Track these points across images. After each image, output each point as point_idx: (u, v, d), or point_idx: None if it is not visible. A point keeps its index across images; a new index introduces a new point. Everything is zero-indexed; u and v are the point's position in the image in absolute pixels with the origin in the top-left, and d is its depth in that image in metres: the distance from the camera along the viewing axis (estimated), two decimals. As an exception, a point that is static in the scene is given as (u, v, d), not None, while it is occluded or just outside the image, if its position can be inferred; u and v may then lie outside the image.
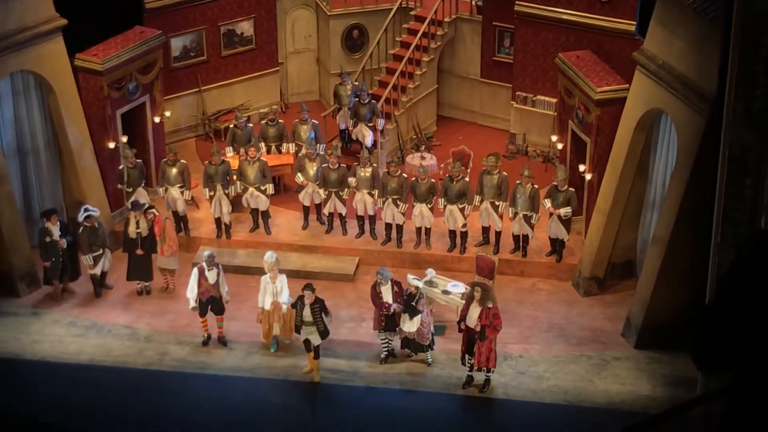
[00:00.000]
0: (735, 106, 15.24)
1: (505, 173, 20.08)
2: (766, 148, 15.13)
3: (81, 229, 19.21)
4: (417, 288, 17.68)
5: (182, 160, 20.81)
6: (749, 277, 3.76)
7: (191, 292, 18.20)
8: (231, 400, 17.49)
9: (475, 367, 17.22)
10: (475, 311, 16.97)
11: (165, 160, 20.67)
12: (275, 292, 17.80)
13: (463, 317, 17.17)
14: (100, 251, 19.38)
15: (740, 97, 15.15)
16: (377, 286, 17.73)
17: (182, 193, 20.56)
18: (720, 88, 15.74)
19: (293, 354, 18.12)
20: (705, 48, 16.79)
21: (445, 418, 17.22)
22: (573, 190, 19.66)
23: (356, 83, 23.20)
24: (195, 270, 18.24)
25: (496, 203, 20.01)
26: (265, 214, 20.93)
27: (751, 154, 15.28)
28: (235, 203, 20.93)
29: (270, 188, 20.75)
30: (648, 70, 18.19)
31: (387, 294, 17.64)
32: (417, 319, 17.51)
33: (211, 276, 18.11)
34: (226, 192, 20.57)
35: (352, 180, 20.55)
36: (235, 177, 20.77)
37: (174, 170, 20.50)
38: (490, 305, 16.92)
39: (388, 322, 17.79)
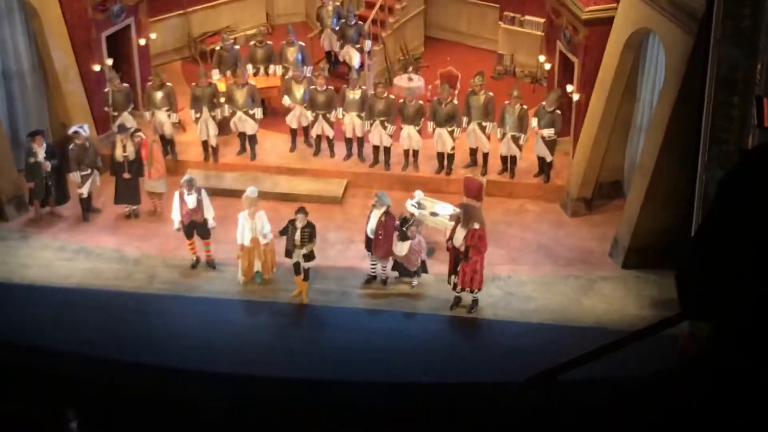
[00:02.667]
0: (723, 25, 15.18)
1: (491, 93, 20.01)
2: (754, 66, 15.08)
3: (71, 145, 19.15)
4: (412, 215, 17.71)
5: (168, 83, 20.67)
6: (734, 198, 3.71)
7: (175, 214, 18.22)
8: (219, 323, 17.56)
9: (459, 287, 17.29)
10: (460, 232, 17.02)
11: (150, 83, 20.52)
12: (255, 228, 17.69)
13: (451, 237, 17.23)
14: (89, 171, 19.33)
15: (728, 15, 15.09)
16: (371, 209, 17.81)
17: (169, 116, 20.45)
18: (708, 6, 15.64)
19: (282, 276, 18.13)
20: (694, -34, 16.65)
21: (433, 339, 17.31)
22: (559, 112, 19.59)
23: (338, 4, 23.02)
24: (176, 194, 18.24)
25: (483, 124, 19.96)
26: (253, 139, 20.83)
27: (739, 72, 15.25)
28: (223, 126, 20.81)
29: (259, 112, 20.64)
30: (636, -12, 18.06)
31: (374, 219, 17.66)
32: (407, 244, 17.53)
33: (190, 200, 18.04)
34: (213, 115, 20.46)
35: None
36: (222, 100, 20.66)
37: (160, 94, 20.37)
38: (476, 226, 16.94)
39: (368, 244, 17.88)
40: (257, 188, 18.52)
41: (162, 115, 20.40)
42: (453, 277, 17.36)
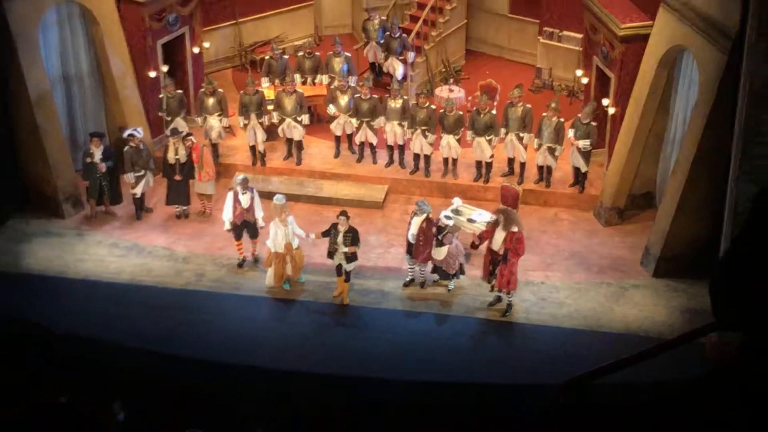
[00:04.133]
0: (757, 43, 15.09)
1: (528, 105, 19.98)
2: (786, 84, 14.96)
3: (126, 147, 19.25)
4: (446, 225, 17.71)
5: (220, 90, 20.75)
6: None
7: (226, 214, 18.23)
8: (263, 320, 17.60)
9: (496, 288, 17.24)
10: (500, 235, 16.97)
11: (203, 90, 20.59)
12: (287, 233, 17.65)
13: (484, 238, 17.15)
14: (142, 172, 19.41)
15: (762, 34, 15.00)
16: (412, 216, 17.77)
17: (220, 121, 20.51)
18: (742, 25, 15.55)
19: (324, 277, 18.11)
20: (729, -14, 16.52)
21: (468, 341, 17.26)
22: (595, 124, 19.52)
23: (384, 18, 23.06)
24: (230, 193, 18.24)
25: (521, 135, 19.89)
26: (299, 145, 20.85)
27: (772, 89, 15.13)
28: (271, 132, 20.86)
29: (306, 119, 20.66)
30: (671, 7, 18.00)
31: (414, 225, 17.61)
32: (444, 249, 17.52)
33: (244, 200, 18.08)
34: (261, 121, 20.51)
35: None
36: (270, 107, 20.70)
37: (212, 100, 20.44)
38: (515, 229, 16.89)
39: (409, 249, 17.82)
40: (301, 192, 18.55)
41: (213, 120, 20.45)
42: (491, 278, 17.30)
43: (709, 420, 3.64)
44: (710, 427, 3.59)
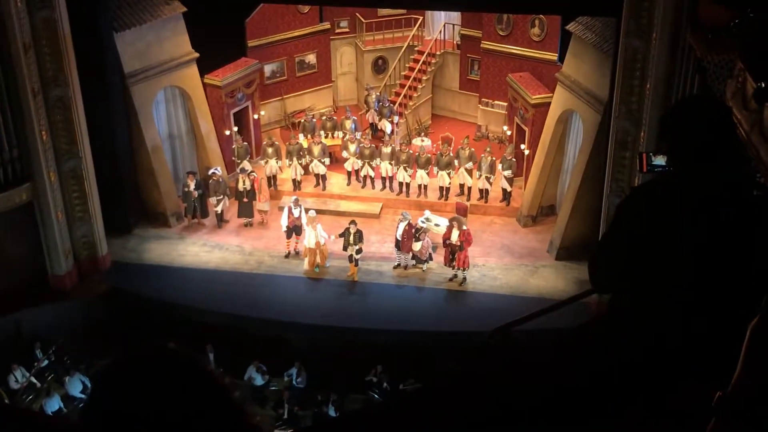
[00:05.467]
0: (619, 107, 15.14)
1: (473, 148, 19.98)
2: (639, 133, 15.02)
3: (210, 180, 19.23)
4: (421, 227, 17.76)
5: (276, 142, 20.69)
6: (624, 215, 3.74)
7: (283, 221, 18.18)
8: (302, 291, 17.58)
9: (456, 267, 17.23)
10: (455, 233, 17.02)
11: (266, 143, 20.55)
12: (317, 235, 17.63)
13: (447, 238, 17.16)
14: (222, 197, 19.39)
15: (623, 100, 15.05)
16: (398, 222, 17.78)
17: (276, 162, 20.48)
18: (610, 94, 15.60)
19: (341, 263, 18.09)
20: (602, 70, 16.60)
21: (436, 303, 17.25)
22: (514, 160, 19.51)
23: (378, 94, 23.03)
24: (286, 208, 18.22)
25: (468, 168, 19.89)
26: (324, 177, 20.82)
27: (629, 137, 15.20)
28: (306, 170, 20.84)
29: (327, 161, 20.57)
30: (565, 84, 18.02)
31: (400, 228, 17.62)
32: (420, 243, 17.53)
33: (295, 212, 18.13)
34: (300, 162, 20.48)
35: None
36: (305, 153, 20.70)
37: (271, 149, 20.41)
38: (465, 228, 16.97)
39: (396, 244, 17.80)
40: (326, 208, 18.54)
41: (273, 162, 20.44)
42: (452, 262, 17.28)
43: (589, 352, 3.70)
44: (590, 357, 3.65)
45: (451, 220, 17.76)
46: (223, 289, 17.46)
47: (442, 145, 20.59)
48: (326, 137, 21.69)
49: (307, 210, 18.35)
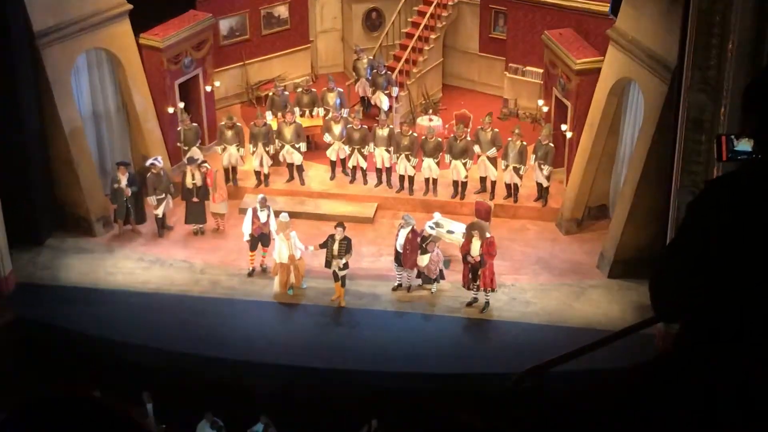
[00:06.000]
0: (693, 75, 15.16)
1: (496, 129, 20.03)
2: (718, 110, 15.04)
3: (148, 174, 19.28)
4: (429, 234, 17.77)
5: (238, 124, 20.74)
6: (699, 220, 3.70)
7: (246, 228, 18.22)
8: (270, 322, 17.59)
9: (481, 289, 17.26)
10: (476, 244, 17.04)
11: (224, 123, 20.57)
12: (291, 246, 17.67)
13: (467, 252, 17.16)
14: (163, 195, 19.40)
15: (697, 66, 15.07)
16: (399, 228, 17.79)
17: (238, 150, 20.51)
18: (680, 59, 15.63)
19: (323, 284, 18.09)
20: (668, 25, 16.62)
21: (449, 336, 17.26)
22: (552, 145, 19.55)
23: (371, 58, 23.08)
24: (250, 210, 18.28)
25: (491, 156, 19.93)
26: (300, 168, 20.85)
27: (706, 114, 15.22)
28: (276, 159, 20.86)
29: (303, 146, 20.64)
30: (619, 44, 18.05)
31: (401, 236, 17.64)
32: (427, 256, 17.56)
33: (262, 216, 18.17)
34: (267, 150, 20.50)
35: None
36: (274, 137, 20.74)
37: (231, 132, 20.45)
38: (488, 236, 17.01)
39: (396, 258, 17.81)
40: (302, 210, 18.55)
41: (232, 150, 20.47)
42: (473, 283, 17.30)
43: (651, 400, 3.69)
44: (650, 406, 3.64)
45: (469, 227, 17.76)
46: (166, 319, 17.42)
47: (456, 125, 20.61)
48: (302, 116, 21.69)
49: (277, 213, 18.34)
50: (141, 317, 17.46)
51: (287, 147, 20.54)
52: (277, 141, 20.61)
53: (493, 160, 19.95)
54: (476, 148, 19.96)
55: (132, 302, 17.87)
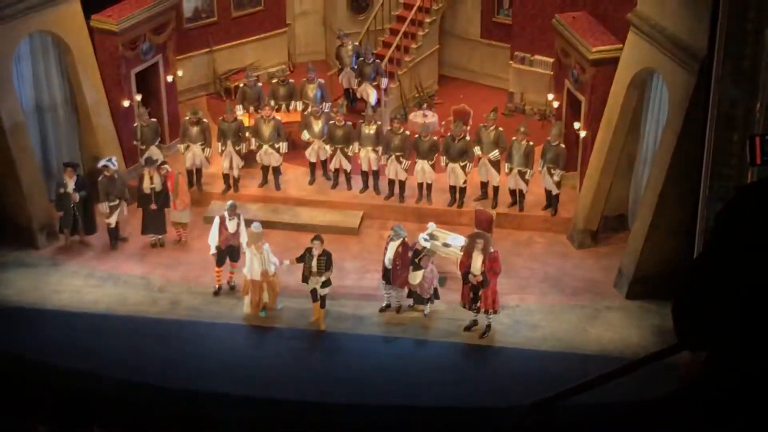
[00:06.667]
0: (724, 65, 15.17)
1: (500, 128, 20.04)
2: (753, 105, 15.06)
3: (100, 177, 19.24)
4: (423, 248, 17.75)
5: (204, 120, 20.76)
6: (729, 233, 3.70)
7: (212, 239, 18.20)
8: (239, 347, 17.55)
9: (482, 310, 17.26)
10: (478, 260, 17.03)
11: (188, 118, 20.57)
12: (263, 261, 17.64)
13: (467, 269, 17.13)
14: (117, 201, 19.39)
15: (729, 55, 15.09)
16: (388, 241, 17.78)
17: (203, 150, 20.51)
18: (710, 47, 15.64)
19: (300, 304, 18.07)
20: (695, 9, 16.65)
21: (445, 364, 17.23)
22: (563, 146, 19.61)
23: (357, 44, 23.11)
24: (217, 219, 18.26)
25: (491, 157, 19.96)
26: (277, 171, 20.87)
27: (739, 110, 15.24)
28: (248, 159, 20.86)
29: (284, 146, 20.66)
30: (641, 30, 18.07)
31: (391, 250, 17.65)
32: (420, 273, 17.54)
33: (231, 225, 18.14)
34: (237, 149, 20.50)
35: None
36: (248, 134, 20.72)
37: (196, 129, 20.45)
38: (492, 251, 17.01)
39: (385, 275, 17.82)
40: (277, 219, 18.52)
41: (197, 149, 20.47)
42: (473, 304, 17.29)
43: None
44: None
45: (469, 239, 17.76)
46: (120, 344, 17.37)
47: (454, 123, 20.64)
48: (278, 110, 21.69)
49: (248, 222, 18.32)
50: (91, 342, 17.36)
51: (265, 147, 20.53)
52: (253, 140, 20.61)
53: (495, 163, 19.98)
54: (477, 149, 20.00)
55: (80, 325, 17.80)
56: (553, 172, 19.59)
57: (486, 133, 19.97)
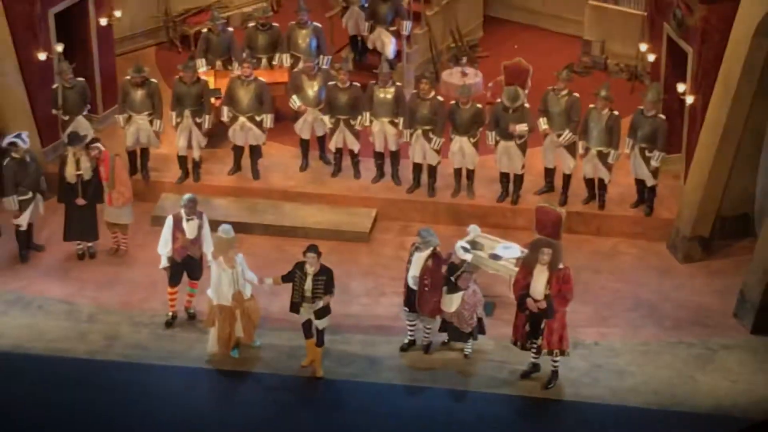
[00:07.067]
0: None
1: (576, 95, 19.99)
2: None
3: (5, 161, 19.25)
4: (463, 261, 17.66)
5: (153, 80, 20.72)
6: None
7: (164, 247, 18.15)
8: (203, 401, 17.55)
9: (545, 351, 17.22)
10: (540, 279, 16.94)
11: (129, 78, 20.57)
12: (235, 279, 17.55)
13: (524, 290, 17.05)
14: (29, 195, 19.40)
15: None
16: (412, 251, 17.68)
17: (151, 122, 20.56)
18: None
19: (287, 341, 18.08)
20: None
21: (494, 427, 17.23)
22: (663, 117, 19.56)
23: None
24: (169, 219, 18.19)
25: (560, 136, 19.94)
26: (256, 152, 20.86)
27: None
28: (215, 135, 20.89)
29: (268, 120, 20.67)
30: (772, -47, 18.08)
31: (416, 264, 17.55)
32: (457, 297, 17.49)
33: (189, 228, 18.04)
34: (199, 121, 20.48)
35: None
36: (215, 100, 20.71)
37: (141, 92, 20.46)
38: (561, 267, 16.91)
39: (408, 299, 17.81)
40: (255, 220, 18.49)
41: (141, 121, 20.49)
42: (531, 339, 17.26)
43: None
44: None
45: (528, 249, 17.72)
46: (32, 395, 17.39)
47: (505, 85, 20.58)
48: (256, 68, 21.60)
49: (214, 225, 18.32)
50: (-9, 393, 17.44)
51: (242, 120, 20.56)
52: (226, 109, 20.60)
53: (567, 143, 19.96)
54: (541, 122, 19.97)
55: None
56: (648, 154, 19.56)
57: (555, 99, 19.93)
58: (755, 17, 18.43)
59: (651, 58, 21.26)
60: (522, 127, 19.56)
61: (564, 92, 19.95)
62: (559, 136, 19.95)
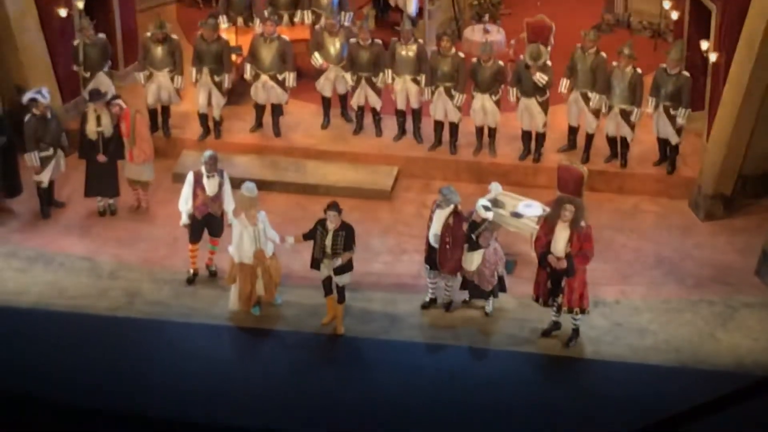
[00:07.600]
0: None
1: (604, 54, 19.93)
2: None
3: (26, 117, 19.28)
4: (484, 219, 17.65)
5: (174, 36, 20.76)
6: None
7: (184, 204, 18.21)
8: (223, 358, 17.61)
9: (564, 308, 17.25)
10: (562, 237, 16.93)
11: (149, 35, 20.60)
12: (257, 237, 17.59)
13: (545, 249, 17.05)
14: (50, 151, 19.46)
15: None
16: (434, 208, 17.69)
17: (172, 79, 20.60)
18: None
19: (308, 298, 18.15)
20: None
21: (514, 384, 17.28)
22: (687, 74, 19.50)
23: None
24: (190, 175, 18.22)
25: (590, 95, 19.88)
26: (277, 111, 20.90)
27: None
28: (235, 93, 20.89)
29: (291, 78, 20.69)
30: None
31: (437, 222, 17.58)
32: (478, 255, 17.51)
33: (210, 185, 18.08)
34: (218, 79, 20.50)
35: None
36: (236, 57, 20.71)
37: (161, 49, 20.48)
38: (582, 224, 16.90)
39: (429, 257, 17.85)
40: (277, 178, 18.50)
41: (163, 78, 20.54)
42: (551, 298, 17.26)
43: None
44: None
45: (551, 206, 17.74)
46: (54, 351, 17.48)
47: (528, 42, 20.56)
48: (278, 24, 21.61)
49: (236, 182, 18.35)
50: (13, 348, 17.49)
51: (264, 78, 20.58)
52: (249, 66, 20.61)
53: (589, 101, 19.92)
54: (564, 82, 19.95)
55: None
56: (673, 112, 19.52)
57: (582, 58, 19.89)
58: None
59: (674, 15, 21.21)
60: (543, 76, 19.53)
61: (592, 50, 19.92)
62: (583, 94, 19.92)
